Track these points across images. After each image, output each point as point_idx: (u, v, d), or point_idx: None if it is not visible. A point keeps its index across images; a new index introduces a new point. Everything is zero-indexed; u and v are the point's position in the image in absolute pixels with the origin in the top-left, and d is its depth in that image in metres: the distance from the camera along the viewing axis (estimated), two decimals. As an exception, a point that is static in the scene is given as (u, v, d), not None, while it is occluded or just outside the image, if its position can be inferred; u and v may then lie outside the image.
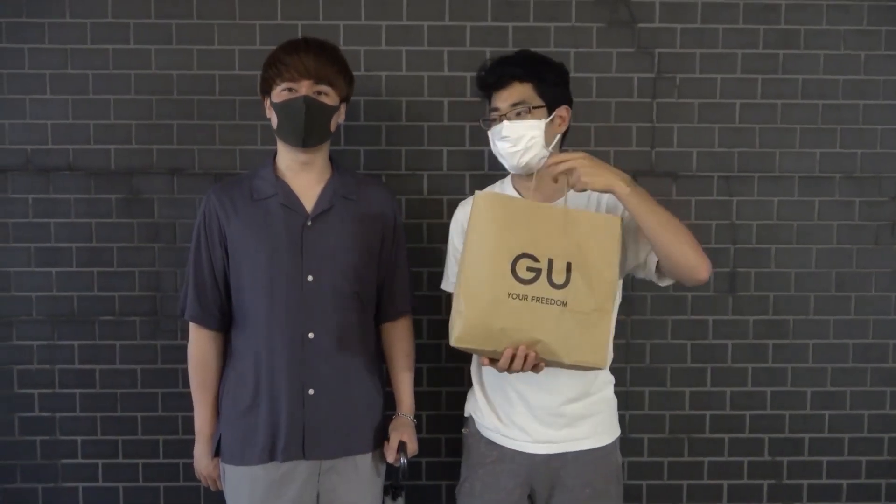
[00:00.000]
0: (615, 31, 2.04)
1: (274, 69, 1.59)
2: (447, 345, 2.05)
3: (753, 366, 2.12)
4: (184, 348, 1.72)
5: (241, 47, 2.02)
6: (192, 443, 1.73)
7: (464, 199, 1.80)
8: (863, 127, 2.08)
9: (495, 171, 2.00)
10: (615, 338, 1.65)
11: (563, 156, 1.46)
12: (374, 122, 2.05)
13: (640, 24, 2.04)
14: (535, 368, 1.44)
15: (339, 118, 1.67)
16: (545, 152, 1.56)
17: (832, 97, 2.07)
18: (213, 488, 1.75)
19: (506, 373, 1.46)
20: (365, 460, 1.69)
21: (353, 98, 1.74)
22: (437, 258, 2.06)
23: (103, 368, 2.07)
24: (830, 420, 2.13)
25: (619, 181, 1.42)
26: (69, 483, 2.09)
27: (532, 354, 1.41)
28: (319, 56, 1.59)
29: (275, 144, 1.70)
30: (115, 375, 2.07)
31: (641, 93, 2.06)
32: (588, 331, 1.41)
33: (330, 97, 1.61)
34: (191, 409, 1.72)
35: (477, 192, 1.50)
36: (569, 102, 1.62)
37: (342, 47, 1.82)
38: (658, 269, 1.53)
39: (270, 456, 1.61)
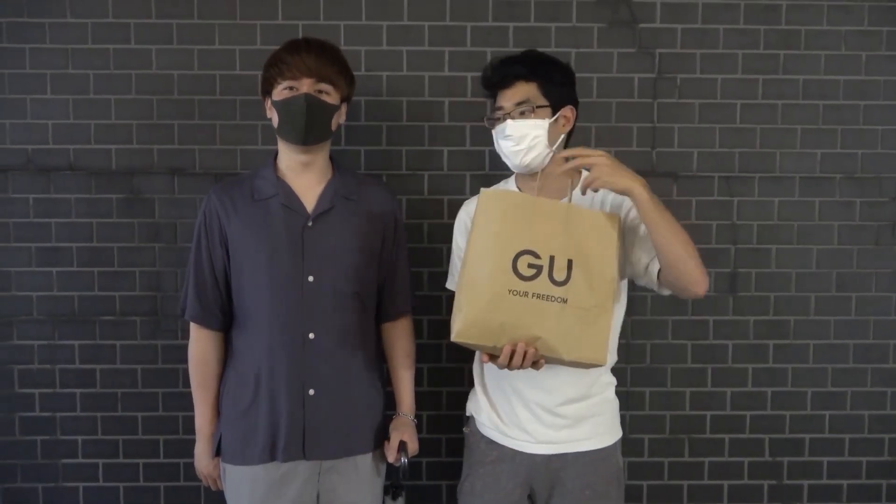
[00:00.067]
0: (616, 31, 2.04)
1: (275, 68, 1.60)
2: (448, 345, 2.07)
3: (754, 366, 2.12)
4: (184, 348, 1.72)
5: (242, 47, 2.02)
6: (192, 442, 1.73)
7: (465, 199, 1.80)
8: (863, 127, 2.08)
9: (496, 171, 2.00)
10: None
11: (586, 150, 1.45)
12: (374, 123, 2.05)
13: (641, 25, 2.04)
14: (535, 365, 1.44)
15: (339, 118, 1.67)
16: (548, 152, 1.57)
17: (833, 98, 2.07)
18: (213, 488, 1.75)
19: (506, 370, 1.46)
20: (365, 460, 1.69)
21: (353, 98, 1.75)
22: (437, 258, 2.06)
23: (104, 368, 2.07)
24: (831, 420, 2.13)
25: (638, 185, 1.41)
26: (70, 483, 2.09)
27: (532, 351, 1.41)
28: (321, 55, 1.59)
29: (275, 144, 1.70)
30: (116, 375, 2.07)
31: (642, 93, 2.06)
32: (588, 328, 1.42)
33: (331, 96, 1.61)
34: (191, 408, 1.72)
35: (482, 189, 1.51)
36: (574, 103, 1.62)
37: (343, 47, 1.83)
38: (659, 277, 1.52)
39: (271, 456, 1.61)
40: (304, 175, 1.66)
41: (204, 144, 2.04)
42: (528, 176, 1.63)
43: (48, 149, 2.03)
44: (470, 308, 1.41)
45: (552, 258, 1.43)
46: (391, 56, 2.03)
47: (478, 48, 2.03)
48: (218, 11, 2.01)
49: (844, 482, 2.14)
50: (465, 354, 2.01)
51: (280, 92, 1.60)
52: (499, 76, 1.60)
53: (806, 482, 2.14)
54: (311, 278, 1.61)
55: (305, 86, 1.58)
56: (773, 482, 2.14)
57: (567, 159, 1.46)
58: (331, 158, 1.72)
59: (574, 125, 1.64)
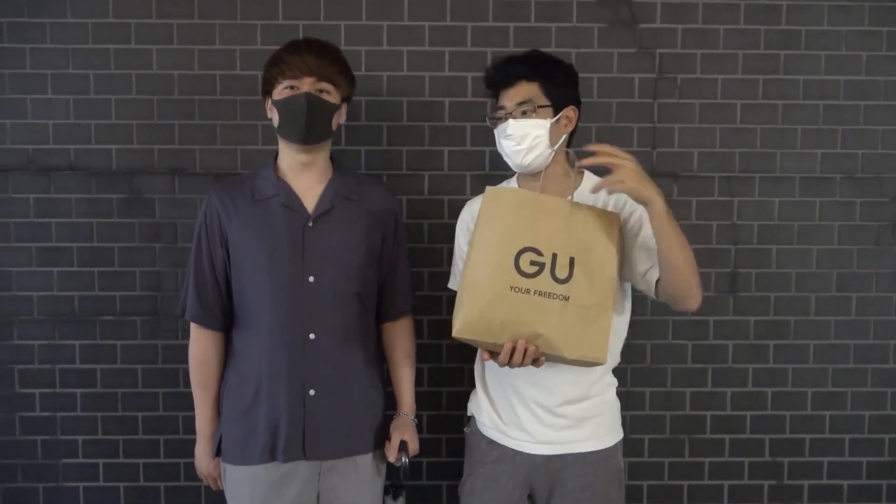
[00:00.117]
0: (616, 31, 2.04)
1: (276, 68, 1.60)
2: (448, 345, 2.08)
3: (754, 366, 2.12)
4: (185, 348, 1.72)
5: (243, 47, 2.02)
6: (192, 442, 1.73)
7: (465, 199, 1.80)
8: (864, 127, 2.08)
9: (497, 171, 2.00)
10: (618, 338, 1.66)
11: (615, 150, 1.42)
12: (375, 123, 2.05)
13: (642, 25, 2.04)
14: (536, 363, 1.44)
15: (340, 118, 1.67)
16: (550, 152, 1.57)
17: (833, 98, 2.07)
18: (213, 488, 1.76)
19: (506, 368, 1.46)
20: (365, 460, 1.69)
21: (354, 98, 1.75)
22: (437, 258, 2.07)
23: (104, 368, 2.07)
24: (831, 421, 2.13)
25: (659, 197, 1.40)
26: (70, 483, 2.09)
27: (532, 348, 1.41)
28: (321, 55, 1.59)
29: (276, 145, 1.70)
30: (116, 375, 2.07)
31: (643, 93, 2.06)
32: (589, 326, 1.42)
33: (331, 95, 1.61)
34: (191, 408, 1.72)
35: (488, 186, 1.52)
36: (576, 103, 1.62)
37: (343, 47, 1.83)
38: (656, 286, 1.52)
39: (271, 456, 1.61)
40: (305, 175, 1.66)
41: (204, 144, 2.04)
42: (530, 176, 1.63)
43: (49, 149, 2.03)
44: (472, 304, 1.41)
45: (554, 256, 1.44)
46: (391, 56, 2.03)
47: (478, 48, 2.03)
48: (218, 11, 2.01)
49: (845, 482, 2.14)
50: (465, 354, 2.01)
51: (281, 91, 1.60)
52: (501, 75, 1.60)
53: (806, 482, 2.14)
54: (311, 278, 1.61)
55: (306, 85, 1.58)
56: (774, 482, 2.14)
57: (588, 154, 1.43)
58: (331, 158, 1.72)
59: (576, 125, 1.64)
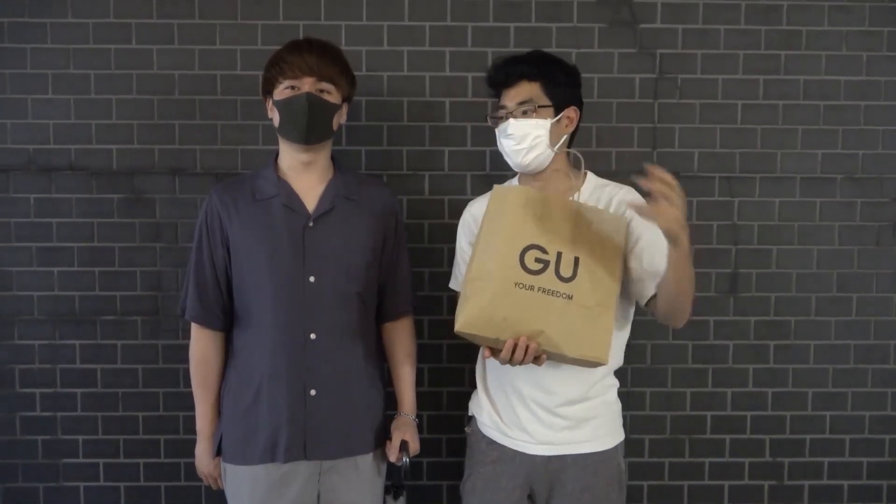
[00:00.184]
0: (617, 31, 2.04)
1: (277, 68, 1.60)
2: (448, 345, 2.08)
3: (755, 366, 2.11)
4: (185, 348, 1.72)
5: (243, 47, 2.02)
6: (193, 442, 1.73)
7: (466, 199, 1.80)
8: (864, 128, 2.08)
9: (497, 171, 2.00)
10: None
11: (668, 178, 1.30)
12: (375, 123, 2.05)
13: (642, 25, 2.04)
14: (537, 361, 1.44)
15: (340, 118, 1.67)
16: (550, 152, 1.57)
17: (834, 98, 2.07)
18: (214, 487, 1.76)
19: (507, 366, 1.46)
20: (366, 460, 1.69)
21: (354, 98, 1.75)
22: (438, 258, 2.07)
23: (105, 368, 2.07)
24: (832, 421, 2.13)
25: (686, 236, 1.35)
26: (70, 482, 2.09)
27: (533, 346, 1.41)
28: (322, 55, 1.60)
29: (276, 144, 1.70)
30: (117, 375, 2.07)
31: (643, 93, 2.06)
32: (591, 325, 1.42)
33: (332, 95, 1.62)
34: (192, 408, 1.72)
35: (496, 185, 1.54)
36: (578, 104, 1.62)
37: (344, 47, 1.83)
38: (649, 298, 1.54)
39: (272, 456, 1.61)
40: (306, 175, 1.66)
41: (205, 144, 2.04)
42: (531, 176, 1.63)
43: (49, 149, 2.03)
44: (476, 299, 1.42)
45: (559, 254, 1.44)
46: (392, 56, 2.04)
47: (479, 48, 2.03)
48: (219, 11, 2.02)
49: (845, 483, 2.14)
50: (465, 355, 2.01)
51: (281, 91, 1.60)
52: (503, 75, 1.60)
53: (807, 483, 2.14)
54: (312, 278, 1.61)
55: (307, 85, 1.58)
56: (774, 483, 2.14)
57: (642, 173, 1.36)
58: (332, 158, 1.72)
59: (578, 126, 1.64)
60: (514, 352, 1.42)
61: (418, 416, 1.79)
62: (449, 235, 1.84)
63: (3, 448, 2.08)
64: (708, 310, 2.10)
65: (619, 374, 1.68)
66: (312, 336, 1.61)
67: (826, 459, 2.13)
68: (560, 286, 1.43)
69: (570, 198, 1.57)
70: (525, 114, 1.56)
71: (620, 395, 1.69)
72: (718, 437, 2.13)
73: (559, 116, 1.57)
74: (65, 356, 2.07)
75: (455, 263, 1.76)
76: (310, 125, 1.58)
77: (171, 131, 2.04)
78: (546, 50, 1.68)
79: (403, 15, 2.03)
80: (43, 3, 2.00)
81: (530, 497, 1.66)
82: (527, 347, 1.41)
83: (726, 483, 2.14)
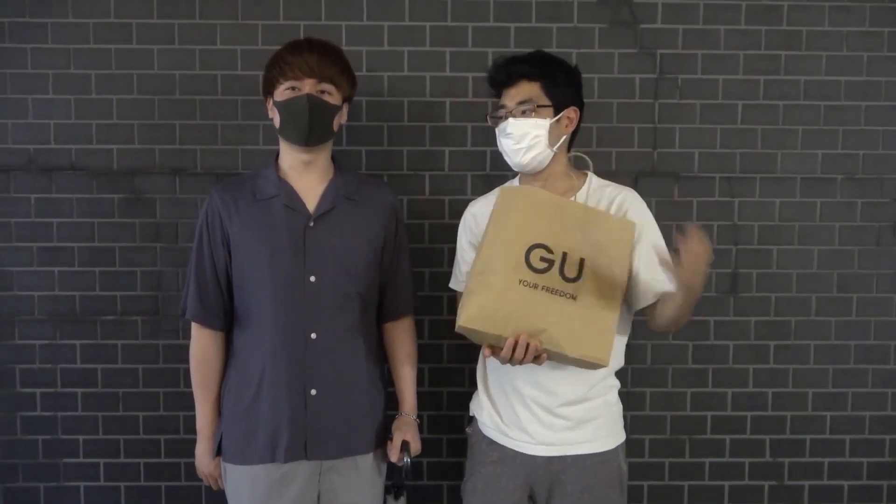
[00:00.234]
0: (617, 31, 2.04)
1: (277, 68, 1.60)
2: (449, 345, 2.08)
3: (755, 367, 2.11)
4: (185, 348, 1.72)
5: (244, 47, 2.02)
6: (193, 442, 1.73)
7: (466, 199, 1.80)
8: (865, 128, 2.08)
9: (497, 171, 2.00)
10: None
11: (704, 242, 1.35)
12: (376, 123, 2.05)
13: (642, 25, 2.04)
14: (537, 360, 1.44)
15: (341, 118, 1.67)
16: (549, 152, 1.57)
17: (834, 98, 2.07)
18: (214, 487, 1.76)
19: (507, 365, 1.46)
20: (366, 460, 1.69)
21: (355, 98, 1.75)
22: (438, 258, 2.07)
23: (105, 368, 2.07)
24: (832, 421, 2.13)
25: (702, 287, 1.40)
26: (71, 482, 2.09)
27: (534, 344, 1.41)
28: (323, 56, 1.59)
29: (277, 144, 1.70)
30: (117, 375, 2.07)
31: (643, 93, 2.06)
32: (594, 326, 1.42)
33: (333, 96, 1.62)
34: (192, 408, 1.72)
35: (503, 185, 1.56)
36: (578, 104, 1.62)
37: (344, 47, 1.83)
38: (645, 306, 1.57)
39: (272, 456, 1.61)
40: (306, 175, 1.66)
41: (205, 144, 2.04)
42: (531, 176, 1.63)
43: (50, 149, 2.03)
44: (480, 294, 1.42)
45: (565, 254, 1.45)
46: (392, 56, 2.04)
47: (479, 49, 2.03)
48: (219, 12, 2.02)
49: (845, 483, 2.14)
50: (466, 355, 2.02)
51: (282, 92, 1.60)
52: (503, 75, 1.61)
53: (807, 483, 2.14)
54: (312, 278, 1.61)
55: (307, 86, 1.58)
56: (774, 483, 2.14)
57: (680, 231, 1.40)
58: (332, 158, 1.72)
59: (578, 126, 1.64)
60: (514, 350, 1.42)
61: (419, 416, 1.79)
62: (449, 235, 1.84)
63: (3, 448, 2.08)
64: (708, 310, 2.10)
65: (619, 374, 1.68)
66: (313, 336, 1.61)
67: (826, 460, 2.13)
68: (564, 286, 1.43)
69: (570, 198, 1.57)
70: (524, 113, 1.56)
71: (620, 395, 1.69)
72: (719, 438, 2.13)
73: (559, 116, 1.58)
74: (65, 356, 2.07)
75: (455, 263, 1.76)
76: (310, 126, 1.58)
77: (171, 131, 2.04)
78: (547, 50, 1.68)
79: (404, 15, 2.03)
80: (43, 3, 2.00)
81: (531, 498, 1.66)
82: (527, 346, 1.41)
83: (726, 483, 2.14)
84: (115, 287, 2.06)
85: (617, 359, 1.64)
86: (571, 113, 1.60)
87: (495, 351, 1.46)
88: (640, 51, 2.05)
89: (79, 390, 2.07)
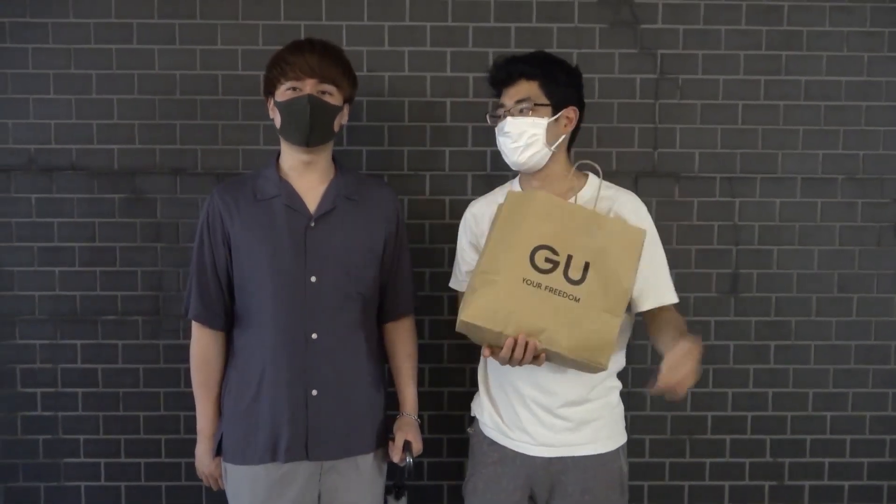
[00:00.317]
0: (618, 31, 2.04)
1: (278, 69, 1.60)
2: (449, 345, 2.08)
3: (755, 367, 2.11)
4: (186, 348, 1.72)
5: (244, 47, 2.02)
6: (193, 442, 1.73)
7: (466, 199, 1.80)
8: (865, 128, 2.07)
9: (498, 171, 2.00)
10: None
11: (677, 376, 1.40)
12: (376, 123, 2.05)
13: (643, 25, 2.04)
14: (536, 360, 1.44)
15: (342, 119, 1.67)
16: (547, 151, 1.57)
17: (835, 98, 2.07)
18: (214, 487, 1.76)
19: (507, 366, 1.46)
20: (366, 460, 1.69)
21: (355, 98, 1.74)
22: (439, 259, 2.07)
23: (105, 368, 2.07)
24: (832, 421, 2.13)
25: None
26: (71, 482, 2.09)
27: (533, 343, 1.41)
28: (324, 56, 1.59)
29: (278, 145, 1.70)
30: (118, 375, 2.07)
31: (644, 94, 2.06)
32: (595, 330, 1.42)
33: (334, 97, 1.62)
34: (193, 408, 1.72)
35: (510, 190, 1.57)
36: (578, 104, 1.62)
37: (345, 47, 1.83)
38: (643, 313, 1.60)
39: (272, 456, 1.61)
40: (307, 175, 1.66)
41: (206, 144, 2.04)
42: (530, 175, 1.63)
43: (51, 148, 2.03)
44: (484, 291, 1.43)
45: (570, 257, 1.45)
46: (393, 56, 2.04)
47: (480, 49, 2.03)
48: (220, 12, 2.02)
49: (846, 483, 2.14)
50: (466, 355, 2.02)
51: (283, 92, 1.60)
52: (503, 74, 1.61)
53: (807, 483, 2.14)
54: (313, 278, 1.61)
55: (308, 86, 1.58)
56: (775, 483, 2.14)
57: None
58: (333, 158, 1.72)
59: (578, 126, 1.64)
60: (514, 350, 1.42)
61: (419, 416, 1.79)
62: (450, 236, 1.84)
63: (4, 447, 2.08)
64: (709, 310, 2.10)
65: (619, 374, 1.68)
66: (314, 336, 1.61)
67: (827, 460, 2.13)
68: (567, 288, 1.43)
69: (570, 199, 1.57)
70: (522, 112, 1.56)
71: (621, 395, 1.69)
72: (719, 438, 2.13)
73: (557, 116, 1.57)
74: (66, 356, 2.07)
75: (455, 263, 1.76)
76: (311, 127, 1.58)
77: (172, 131, 2.04)
78: (547, 51, 1.68)
79: (404, 15, 2.03)
80: (44, 3, 2.00)
81: (531, 498, 1.66)
82: (526, 345, 1.41)
83: (727, 483, 2.14)
84: (116, 287, 2.06)
85: (618, 361, 1.64)
86: (571, 112, 1.60)
87: (495, 351, 1.46)
88: (640, 51, 2.05)
89: (79, 390, 2.07)
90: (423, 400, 1.88)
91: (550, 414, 1.59)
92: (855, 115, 2.07)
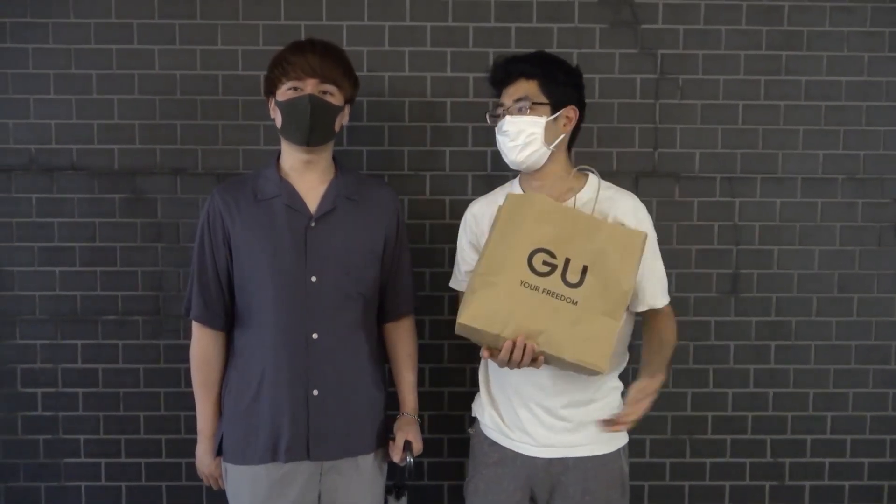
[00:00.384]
0: (618, 32, 2.04)
1: (280, 68, 1.60)
2: (449, 345, 2.08)
3: (755, 367, 2.11)
4: (186, 348, 1.72)
5: (245, 47, 2.02)
6: (194, 442, 1.73)
7: (467, 199, 1.80)
8: (866, 128, 2.07)
9: (498, 171, 2.00)
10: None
11: (630, 414, 1.50)
12: (376, 123, 2.05)
13: (643, 25, 2.04)
14: (534, 363, 1.44)
15: (343, 119, 1.67)
16: (545, 150, 1.57)
17: (835, 98, 2.07)
18: (215, 487, 1.76)
19: (506, 368, 1.46)
20: (367, 460, 1.69)
21: (356, 98, 1.75)
22: (439, 259, 2.07)
23: (106, 368, 2.07)
24: (833, 421, 2.13)
25: (659, 386, 1.54)
26: (72, 482, 2.09)
27: (531, 346, 1.41)
28: (325, 56, 1.60)
29: (278, 145, 1.70)
30: (118, 375, 2.07)
31: (644, 94, 2.06)
32: (593, 332, 1.42)
33: (335, 97, 1.62)
34: (193, 408, 1.72)
35: (509, 193, 1.57)
36: (578, 104, 1.61)
37: (345, 48, 1.83)
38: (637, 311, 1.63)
39: (273, 456, 1.61)
40: (307, 175, 1.66)
41: (206, 144, 2.04)
42: (529, 175, 1.63)
43: (51, 149, 2.03)
44: (482, 293, 1.43)
45: (567, 260, 1.45)
46: (393, 56, 2.04)
47: (480, 49, 2.03)
48: (220, 12, 2.02)
49: (846, 483, 2.14)
50: (466, 355, 2.02)
51: (284, 92, 1.60)
52: (503, 73, 1.61)
53: (808, 483, 2.14)
54: (313, 278, 1.61)
55: (310, 86, 1.58)
56: (775, 483, 2.14)
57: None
58: (333, 159, 1.72)
59: (579, 126, 1.63)
60: (512, 352, 1.42)
61: (419, 416, 1.79)
62: (450, 236, 1.84)
63: (4, 447, 2.08)
64: (709, 310, 2.10)
65: (620, 374, 1.68)
66: (314, 336, 1.61)
67: (827, 460, 2.13)
68: (565, 291, 1.43)
69: (570, 199, 1.57)
70: (520, 111, 1.56)
71: (622, 395, 1.69)
72: (719, 438, 2.13)
73: (556, 115, 1.57)
74: (66, 356, 2.07)
75: (455, 263, 1.76)
76: (312, 127, 1.58)
77: (172, 131, 2.04)
78: (547, 51, 1.68)
79: (405, 15, 2.03)
80: (45, 3, 2.00)
81: (532, 499, 1.66)
82: (524, 348, 1.41)
83: (727, 483, 2.14)
84: (116, 287, 2.06)
85: (620, 362, 1.64)
86: (570, 112, 1.59)
87: (493, 353, 1.46)
88: (640, 51, 2.05)
89: (80, 390, 2.07)
90: (424, 400, 1.88)
91: (551, 415, 1.59)
92: (855, 115, 2.07)
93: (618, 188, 1.63)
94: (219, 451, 1.69)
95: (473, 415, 1.75)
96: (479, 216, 1.68)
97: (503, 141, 1.58)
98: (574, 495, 1.59)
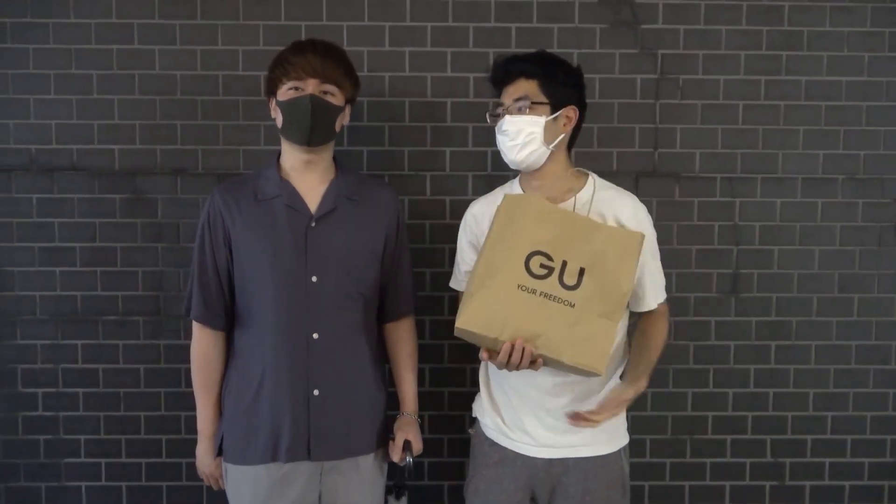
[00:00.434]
0: (618, 32, 2.04)
1: (280, 69, 1.60)
2: (450, 345, 2.08)
3: (756, 367, 2.11)
4: (187, 348, 1.72)
5: (245, 48, 2.02)
6: (194, 442, 1.73)
7: (467, 199, 1.80)
8: (866, 128, 2.07)
9: (498, 171, 2.00)
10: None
11: (604, 411, 1.53)
12: (377, 123, 2.05)
13: (644, 26, 2.04)
14: (533, 365, 1.44)
15: (343, 120, 1.67)
16: (545, 150, 1.57)
17: (835, 98, 2.07)
18: (215, 487, 1.76)
19: (505, 370, 1.47)
20: (367, 460, 1.69)
21: (356, 99, 1.75)
22: (439, 259, 2.07)
23: (106, 368, 2.07)
24: (833, 421, 2.13)
25: (636, 393, 1.55)
26: (72, 482, 2.09)
27: (529, 348, 1.41)
28: (326, 57, 1.60)
29: (278, 145, 1.70)
30: (119, 375, 2.08)
31: (644, 94, 2.06)
32: (592, 334, 1.42)
33: (336, 97, 1.62)
34: (193, 408, 1.72)
35: (506, 193, 1.56)
36: (578, 104, 1.61)
37: (346, 48, 1.83)
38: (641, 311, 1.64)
39: (273, 456, 1.61)
40: (308, 175, 1.66)
41: (207, 145, 2.04)
42: (529, 175, 1.63)
43: (51, 149, 2.03)
44: (479, 297, 1.43)
45: (564, 263, 1.45)
46: (393, 57, 2.04)
47: (480, 49, 2.03)
48: (221, 12, 2.02)
49: (846, 483, 2.14)
50: (466, 355, 2.02)
51: (285, 92, 1.60)
52: (503, 72, 1.61)
53: (808, 483, 2.14)
54: (314, 279, 1.61)
55: (311, 86, 1.58)
56: (775, 483, 2.14)
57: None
58: (334, 159, 1.72)
59: (579, 126, 1.63)
60: (510, 355, 1.42)
61: (420, 417, 1.79)
62: (450, 236, 1.84)
63: (5, 447, 2.08)
64: (709, 310, 2.10)
65: (621, 375, 1.68)
66: (315, 336, 1.61)
67: (827, 460, 2.13)
68: (562, 293, 1.43)
69: (570, 199, 1.57)
70: (520, 110, 1.56)
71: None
72: (720, 438, 2.13)
73: (556, 115, 1.57)
74: (67, 356, 2.07)
75: (455, 263, 1.76)
76: (313, 127, 1.59)
77: (172, 131, 2.04)
78: (548, 51, 1.68)
79: (405, 15, 2.03)
80: (45, 3, 2.00)
81: (533, 500, 1.66)
82: (523, 350, 1.41)
83: (727, 483, 2.14)
84: (117, 287, 2.06)
85: (621, 363, 1.64)
86: (570, 112, 1.59)
87: (492, 355, 1.46)
88: (641, 51, 2.05)
89: (80, 390, 2.07)
90: (424, 400, 1.88)
91: (551, 415, 1.59)
92: (855, 115, 2.07)
93: (618, 188, 1.63)
94: (219, 452, 1.69)
95: (474, 415, 1.75)
96: (480, 216, 1.68)
97: (503, 140, 1.58)
98: (574, 496, 1.59)
